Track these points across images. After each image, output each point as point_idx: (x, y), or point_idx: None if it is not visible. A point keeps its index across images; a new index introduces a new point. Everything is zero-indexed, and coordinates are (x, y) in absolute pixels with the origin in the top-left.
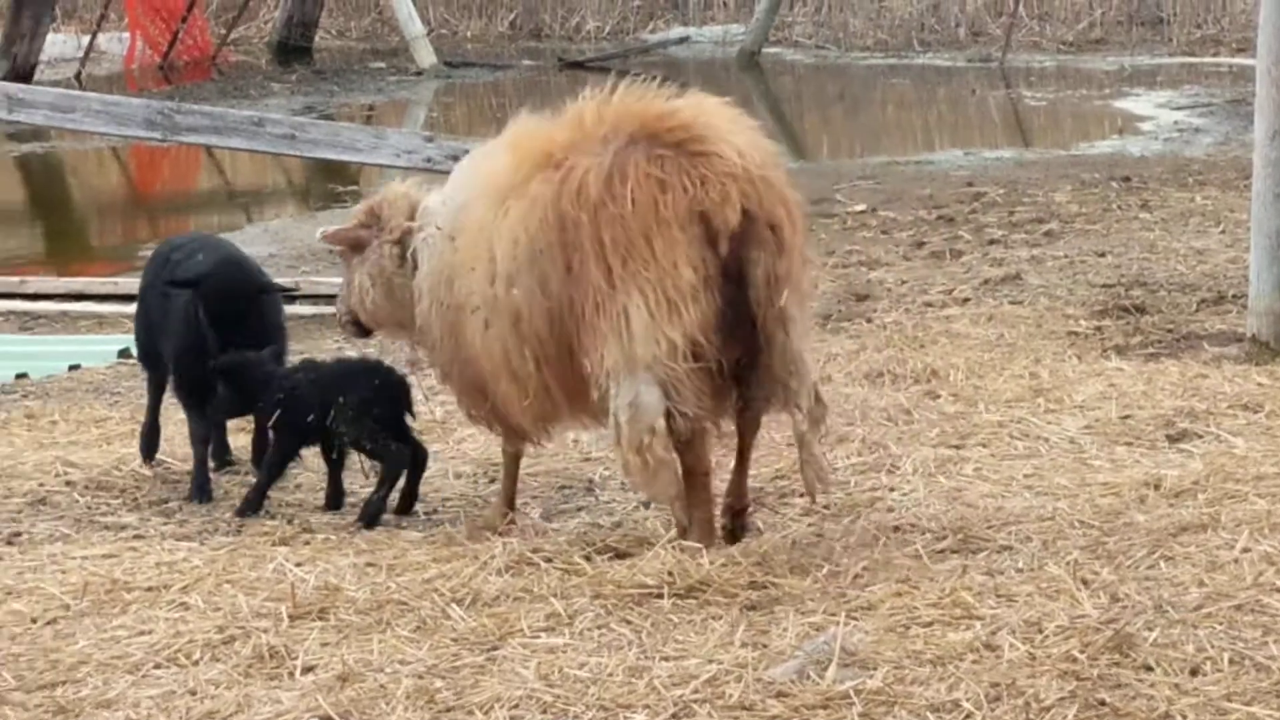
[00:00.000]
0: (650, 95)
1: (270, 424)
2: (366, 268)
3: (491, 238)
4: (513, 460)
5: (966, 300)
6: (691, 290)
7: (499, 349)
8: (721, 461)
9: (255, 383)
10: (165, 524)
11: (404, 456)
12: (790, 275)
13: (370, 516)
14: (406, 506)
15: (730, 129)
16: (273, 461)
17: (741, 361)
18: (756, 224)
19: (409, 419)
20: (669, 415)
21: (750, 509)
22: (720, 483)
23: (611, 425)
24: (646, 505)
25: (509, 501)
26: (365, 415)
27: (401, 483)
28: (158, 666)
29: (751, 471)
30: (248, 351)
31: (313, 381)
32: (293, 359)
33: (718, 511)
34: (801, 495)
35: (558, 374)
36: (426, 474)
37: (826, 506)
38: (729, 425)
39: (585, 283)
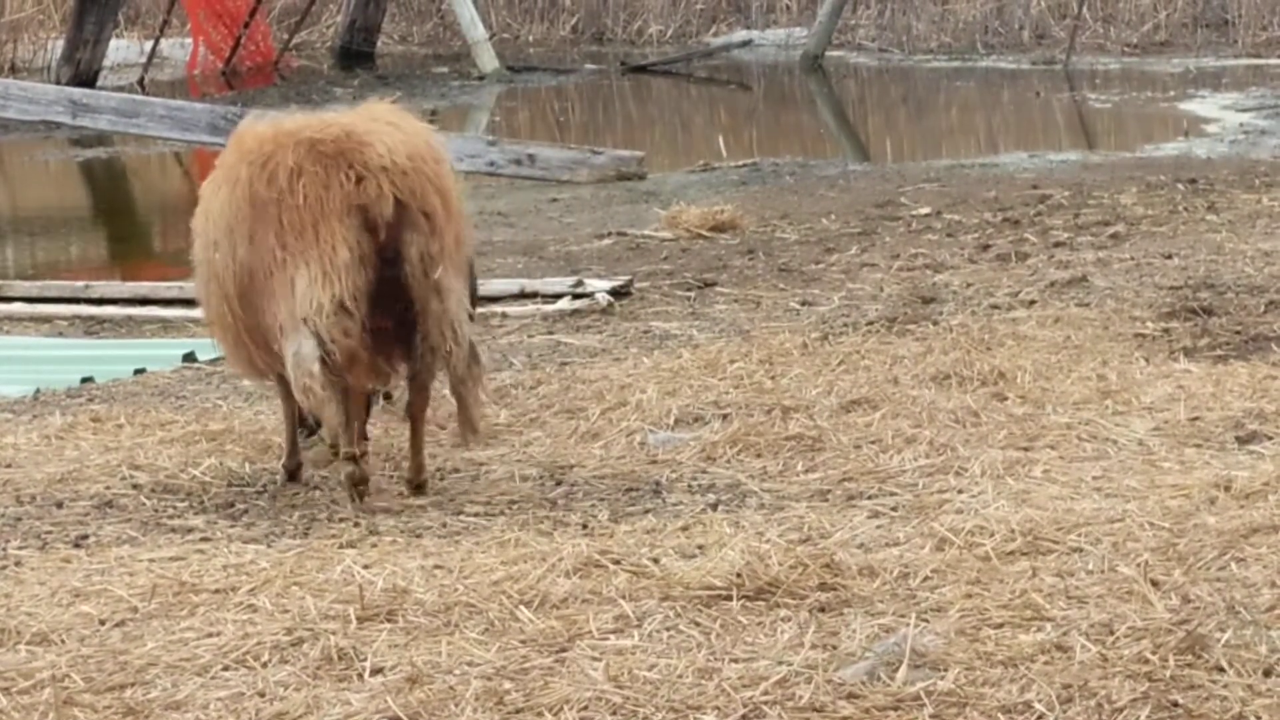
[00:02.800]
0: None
1: None
2: None
3: (211, 208)
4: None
5: (1033, 303)
6: (345, 265)
7: (214, 302)
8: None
9: None
10: (232, 527)
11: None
12: (444, 253)
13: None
14: None
15: (384, 130)
16: None
17: (403, 332)
18: (410, 211)
19: None
20: (323, 361)
21: (425, 485)
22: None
23: (288, 371)
24: (714, 508)
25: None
26: None
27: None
28: (226, 668)
29: (816, 474)
30: None
31: None
32: None
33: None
34: (870, 497)
35: (246, 327)
36: (494, 476)
37: (894, 509)
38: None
39: (264, 254)
